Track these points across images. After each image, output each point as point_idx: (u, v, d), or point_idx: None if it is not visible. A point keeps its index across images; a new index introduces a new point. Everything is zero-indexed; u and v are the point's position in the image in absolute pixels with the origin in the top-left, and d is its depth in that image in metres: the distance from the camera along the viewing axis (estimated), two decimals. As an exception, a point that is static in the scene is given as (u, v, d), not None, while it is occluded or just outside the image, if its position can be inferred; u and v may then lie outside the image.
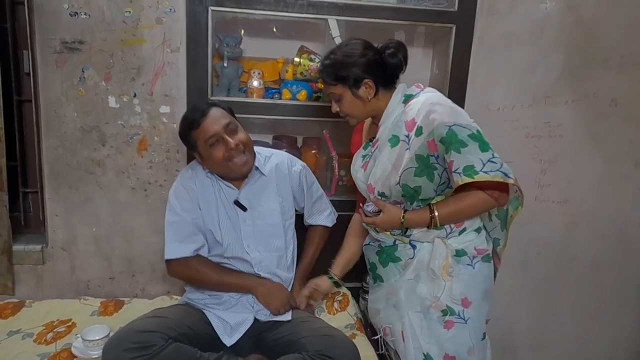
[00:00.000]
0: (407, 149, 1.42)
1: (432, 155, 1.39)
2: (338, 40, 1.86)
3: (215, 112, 1.53)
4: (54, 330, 1.68)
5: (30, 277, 1.91)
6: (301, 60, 1.91)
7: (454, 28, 1.93)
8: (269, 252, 1.63)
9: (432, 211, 1.44)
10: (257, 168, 1.64)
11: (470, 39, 1.96)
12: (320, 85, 1.96)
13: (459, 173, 1.33)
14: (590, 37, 2.07)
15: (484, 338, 1.54)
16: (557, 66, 2.08)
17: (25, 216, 2.00)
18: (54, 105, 1.80)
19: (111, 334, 1.51)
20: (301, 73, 1.92)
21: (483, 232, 1.54)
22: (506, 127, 2.09)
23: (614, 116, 2.16)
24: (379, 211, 1.49)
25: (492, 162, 1.33)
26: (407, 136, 1.43)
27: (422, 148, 1.39)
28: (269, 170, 1.68)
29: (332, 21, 1.85)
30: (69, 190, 1.87)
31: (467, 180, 1.32)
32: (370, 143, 1.57)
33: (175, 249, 1.57)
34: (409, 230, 1.51)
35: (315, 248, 1.80)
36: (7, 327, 1.68)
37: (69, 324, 1.72)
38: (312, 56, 1.92)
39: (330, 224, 1.83)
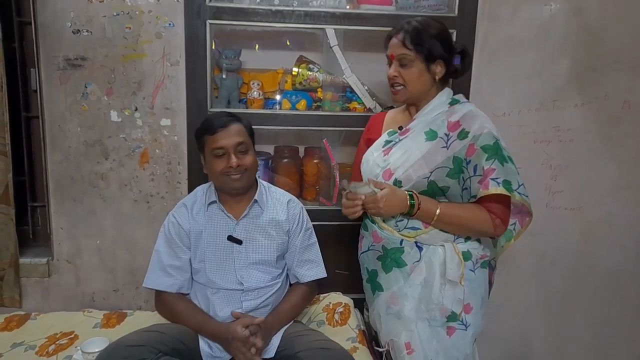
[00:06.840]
0: (443, 147, 1.43)
1: (465, 160, 1.41)
2: (337, 49, 1.87)
3: (234, 128, 1.53)
4: (56, 342, 1.69)
5: (36, 290, 1.94)
6: (300, 70, 1.92)
7: (455, 33, 1.90)
8: (259, 287, 1.58)
9: (437, 207, 1.43)
10: (256, 201, 1.61)
11: (472, 45, 1.93)
12: (320, 95, 1.96)
13: (497, 182, 1.36)
14: (598, 40, 2.01)
15: (473, 344, 1.52)
16: (564, 70, 2.02)
17: (34, 230, 2.04)
18: (58, 121, 1.84)
19: (109, 346, 1.51)
20: (300, 83, 1.93)
21: (483, 243, 1.54)
22: (513, 133, 2.04)
23: (628, 119, 2.09)
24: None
25: (523, 186, 1.41)
26: (447, 135, 1.44)
27: (462, 151, 1.41)
28: (271, 206, 1.64)
29: (330, 31, 1.85)
30: (73, 204, 1.90)
31: (503, 192, 1.36)
32: (398, 131, 1.54)
33: (154, 279, 1.60)
34: (410, 222, 1.46)
35: (295, 304, 1.63)
36: (11, 339, 1.70)
37: (72, 336, 1.73)
38: (311, 66, 1.93)
39: (321, 275, 1.68)
